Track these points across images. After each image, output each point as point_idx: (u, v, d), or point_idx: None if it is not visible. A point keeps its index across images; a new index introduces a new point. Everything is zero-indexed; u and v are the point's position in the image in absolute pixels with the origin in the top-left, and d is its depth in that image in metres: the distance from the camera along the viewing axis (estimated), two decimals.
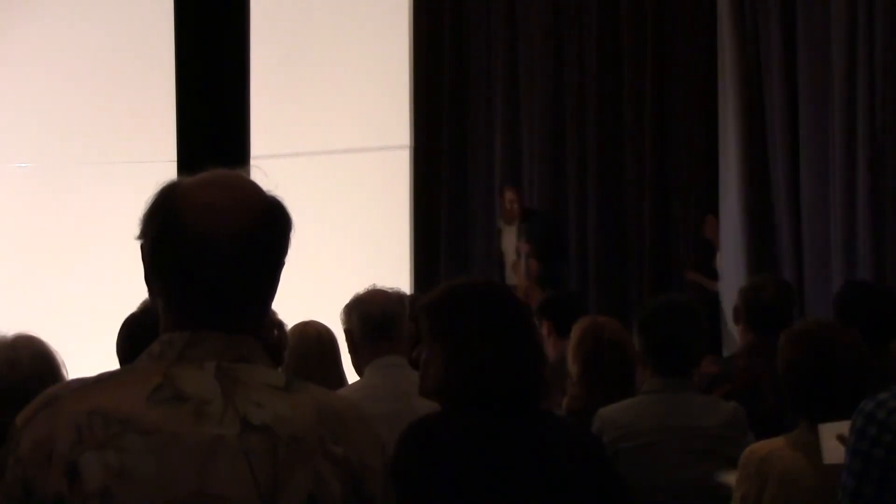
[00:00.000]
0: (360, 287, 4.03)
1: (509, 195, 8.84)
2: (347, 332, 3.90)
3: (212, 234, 1.74)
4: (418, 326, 2.88)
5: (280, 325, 3.78)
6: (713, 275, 8.63)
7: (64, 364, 3.12)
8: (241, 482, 1.68)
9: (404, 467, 2.61)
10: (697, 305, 4.26)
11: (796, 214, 7.99)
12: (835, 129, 7.73)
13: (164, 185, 1.80)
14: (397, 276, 6.03)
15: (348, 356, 4.06)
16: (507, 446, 2.69)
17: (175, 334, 1.76)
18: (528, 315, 2.94)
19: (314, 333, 4.28)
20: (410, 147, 9.30)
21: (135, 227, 1.82)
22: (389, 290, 4.00)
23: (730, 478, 3.65)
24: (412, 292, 6.56)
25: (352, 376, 4.18)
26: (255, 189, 1.80)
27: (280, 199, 1.82)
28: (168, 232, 1.76)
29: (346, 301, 3.98)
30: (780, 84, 8.03)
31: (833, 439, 3.15)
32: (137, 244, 1.82)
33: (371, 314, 3.80)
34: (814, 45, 7.86)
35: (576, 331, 4.49)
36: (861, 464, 2.47)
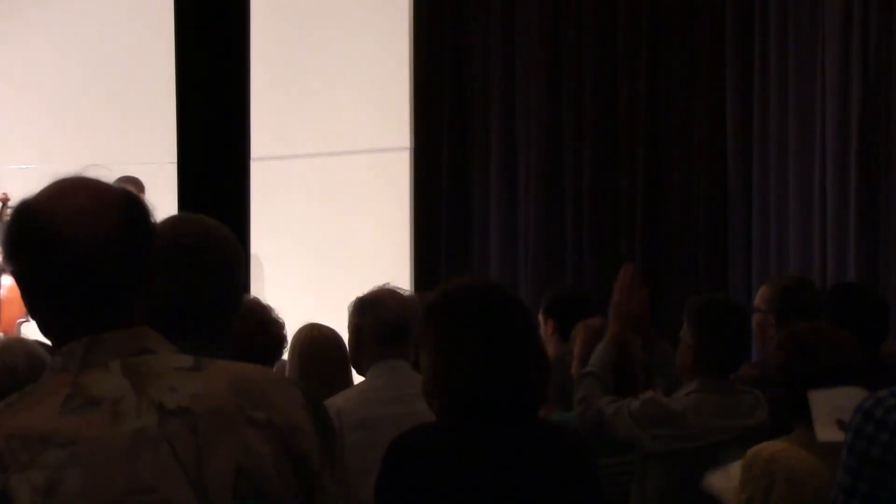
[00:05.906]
0: (359, 288, 3.99)
1: None
2: (356, 328, 3.85)
3: (89, 238, 1.74)
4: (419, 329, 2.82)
5: (279, 323, 3.76)
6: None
7: None
8: (167, 469, 1.67)
9: (391, 479, 2.56)
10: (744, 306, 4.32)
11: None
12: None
13: (15, 210, 1.78)
14: (397, 276, 6.02)
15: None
16: (499, 459, 2.60)
17: (73, 344, 1.74)
18: (530, 318, 2.81)
19: (323, 337, 4.21)
20: (410, 148, 9.29)
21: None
22: (405, 294, 3.97)
23: (715, 481, 3.63)
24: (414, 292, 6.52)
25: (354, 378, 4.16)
26: (104, 185, 1.80)
27: (124, 188, 1.82)
28: (44, 250, 1.74)
29: (347, 301, 3.94)
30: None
31: (826, 415, 3.16)
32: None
33: (387, 317, 3.77)
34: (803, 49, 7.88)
35: (580, 334, 4.46)
36: (857, 461, 2.46)
